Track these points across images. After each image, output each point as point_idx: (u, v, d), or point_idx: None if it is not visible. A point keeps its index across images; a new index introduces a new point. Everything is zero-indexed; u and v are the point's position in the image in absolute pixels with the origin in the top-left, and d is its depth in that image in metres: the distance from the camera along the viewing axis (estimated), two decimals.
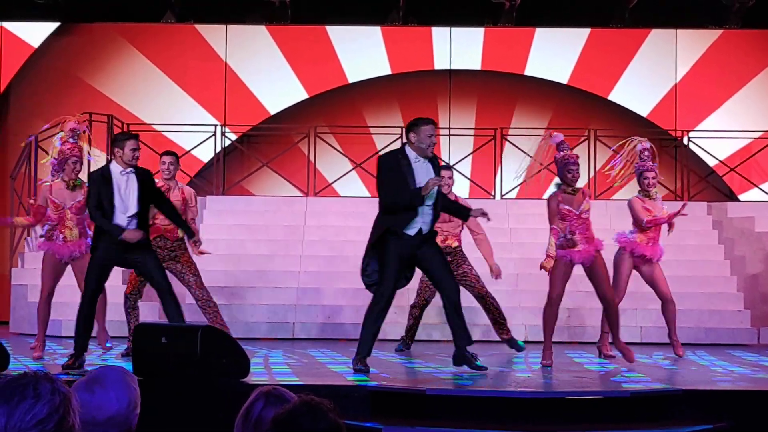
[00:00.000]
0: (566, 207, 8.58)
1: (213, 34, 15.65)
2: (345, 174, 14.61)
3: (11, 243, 13.65)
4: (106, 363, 8.21)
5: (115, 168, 7.81)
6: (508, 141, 14.55)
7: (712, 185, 14.73)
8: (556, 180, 8.81)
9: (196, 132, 14.65)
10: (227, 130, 15.06)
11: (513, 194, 14.20)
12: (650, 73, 15.55)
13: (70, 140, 9.03)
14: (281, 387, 3.19)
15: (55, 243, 8.90)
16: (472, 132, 15.24)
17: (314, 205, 13.56)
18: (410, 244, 7.50)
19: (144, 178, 7.90)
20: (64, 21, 15.64)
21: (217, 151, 14.78)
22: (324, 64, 15.61)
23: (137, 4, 15.64)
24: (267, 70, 15.61)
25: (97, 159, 9.64)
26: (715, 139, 15.00)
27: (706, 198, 14.04)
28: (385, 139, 14.64)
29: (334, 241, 12.69)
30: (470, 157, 14.90)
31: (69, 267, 9.15)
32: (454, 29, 15.67)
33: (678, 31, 15.62)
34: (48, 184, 9.03)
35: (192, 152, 14.52)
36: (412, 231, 7.50)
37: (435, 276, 7.72)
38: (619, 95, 15.60)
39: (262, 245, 12.65)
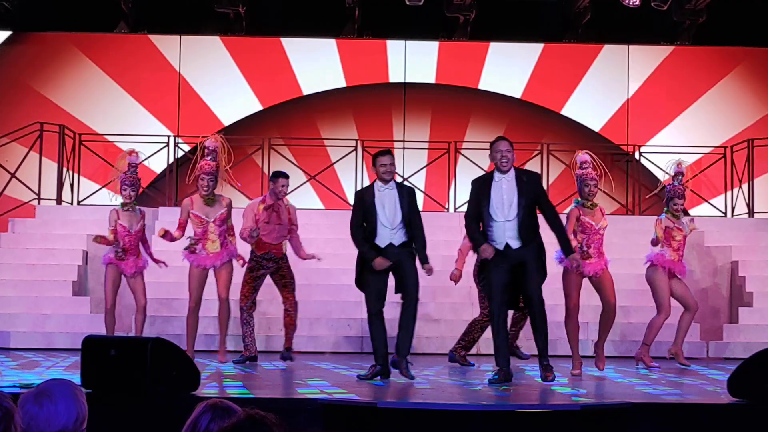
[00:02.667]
0: (588, 220, 9.14)
1: (167, 44, 15.58)
2: (299, 186, 14.56)
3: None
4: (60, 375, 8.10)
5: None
6: (462, 154, 14.61)
7: (662, 200, 14.86)
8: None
9: (148, 143, 14.54)
10: (180, 141, 14.98)
11: (466, 207, 14.24)
12: (603, 88, 15.70)
13: (208, 158, 9.59)
14: (228, 400, 3.17)
15: (199, 255, 9.47)
16: (426, 145, 15.28)
17: None
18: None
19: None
20: (16, 29, 15.50)
21: (170, 162, 14.69)
22: (278, 75, 15.60)
23: (90, 13, 15.52)
24: (221, 81, 15.57)
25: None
26: (666, 154, 15.14)
27: (657, 212, 14.13)
28: (340, 151, 14.65)
29: (287, 253, 12.61)
30: (424, 170, 14.95)
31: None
32: (409, 42, 15.73)
33: (630, 47, 15.79)
34: (189, 198, 9.61)
35: (144, 163, 14.40)
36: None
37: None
38: (571, 110, 15.72)
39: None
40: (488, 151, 8.24)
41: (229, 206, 9.71)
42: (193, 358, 8.93)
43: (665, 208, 10.16)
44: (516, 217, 7.88)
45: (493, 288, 7.99)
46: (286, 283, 9.83)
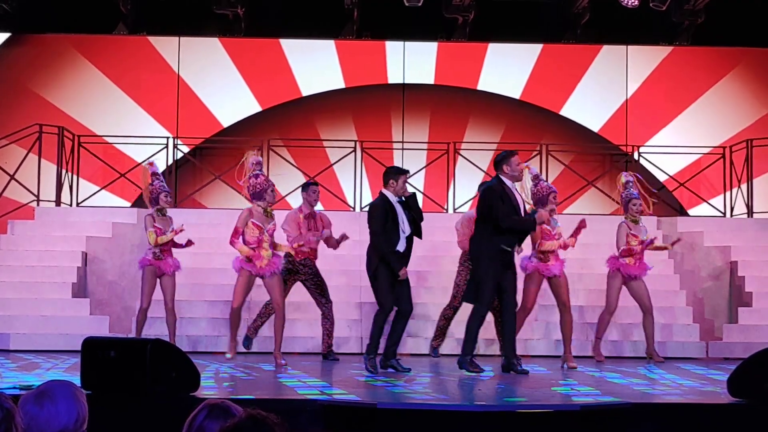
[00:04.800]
0: (546, 227, 9.89)
1: (166, 46, 15.58)
2: (298, 187, 14.51)
3: None
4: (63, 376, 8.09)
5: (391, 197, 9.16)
6: (461, 155, 14.60)
7: (662, 200, 14.87)
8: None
9: (148, 144, 14.54)
10: (179, 142, 14.98)
11: (465, 208, 14.23)
12: (601, 88, 15.71)
13: (260, 173, 10.02)
14: (229, 401, 3.17)
15: (255, 263, 9.80)
16: (425, 146, 15.28)
17: None
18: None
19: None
20: (16, 31, 15.50)
21: (169, 163, 14.69)
22: (277, 76, 15.60)
23: (90, 15, 15.52)
24: (220, 83, 15.57)
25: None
26: (665, 155, 15.17)
27: (656, 212, 14.16)
28: (339, 152, 14.65)
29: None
30: (423, 170, 14.94)
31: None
32: (408, 43, 15.73)
33: (629, 47, 15.79)
34: (248, 209, 9.94)
35: (142, 164, 14.41)
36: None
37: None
38: (570, 110, 15.73)
39: (214, 258, 12.56)
40: (488, 152, 8.59)
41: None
42: (236, 350, 10.12)
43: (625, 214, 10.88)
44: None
45: (491, 285, 8.72)
46: (322, 290, 10.56)
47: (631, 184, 10.80)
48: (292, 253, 10.28)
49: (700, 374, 9.41)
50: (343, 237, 10.58)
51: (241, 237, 9.86)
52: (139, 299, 10.73)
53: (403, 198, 9.12)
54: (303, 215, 10.62)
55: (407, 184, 9.33)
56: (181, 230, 10.45)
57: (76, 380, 6.34)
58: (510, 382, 8.38)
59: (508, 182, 8.86)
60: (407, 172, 9.42)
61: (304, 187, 10.89)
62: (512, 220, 8.74)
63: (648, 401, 7.03)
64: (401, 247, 9.05)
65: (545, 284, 10.11)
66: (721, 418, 6.56)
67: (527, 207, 9.33)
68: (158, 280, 10.52)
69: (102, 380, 6.62)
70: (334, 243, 10.65)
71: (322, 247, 10.87)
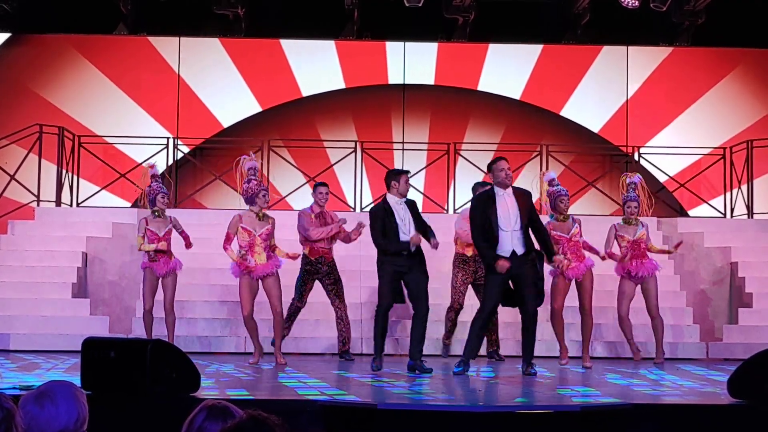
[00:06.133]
0: (557, 233, 10.10)
1: (166, 46, 15.58)
2: (298, 188, 14.56)
3: None
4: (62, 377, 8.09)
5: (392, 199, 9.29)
6: (461, 156, 14.60)
7: (662, 201, 14.87)
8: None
9: (148, 144, 14.54)
10: (180, 142, 14.99)
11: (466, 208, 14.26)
12: (602, 89, 15.71)
13: (253, 178, 10.14)
14: (229, 402, 3.17)
15: (249, 265, 9.86)
16: (425, 146, 15.28)
17: None
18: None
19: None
20: (16, 32, 15.50)
21: (170, 163, 14.69)
22: (278, 77, 15.60)
23: (90, 15, 15.52)
24: (220, 83, 15.57)
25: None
26: (665, 155, 15.17)
27: (657, 213, 14.15)
28: (339, 152, 14.65)
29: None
30: (423, 171, 14.94)
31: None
32: (408, 44, 15.73)
33: (629, 48, 15.79)
34: (238, 214, 10.06)
35: (143, 165, 14.41)
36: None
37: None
38: (571, 111, 15.73)
39: (214, 258, 12.56)
40: (488, 152, 8.61)
41: (273, 224, 10.15)
42: (261, 355, 10.05)
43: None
44: (521, 227, 8.78)
45: (493, 290, 8.77)
46: (337, 291, 10.67)
47: (633, 185, 10.84)
48: (293, 257, 10.29)
49: (700, 375, 9.41)
50: (360, 225, 10.50)
51: (233, 242, 9.95)
52: (141, 300, 10.76)
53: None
54: (314, 214, 10.75)
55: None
56: (162, 241, 10.50)
57: (76, 380, 6.34)
58: (510, 383, 8.38)
59: (499, 190, 8.91)
60: (407, 172, 9.51)
61: (314, 188, 11.06)
62: (479, 244, 8.92)
63: (648, 402, 7.03)
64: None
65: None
66: (721, 419, 6.56)
67: (542, 208, 9.47)
68: (160, 280, 10.57)
69: (102, 380, 6.62)
70: (347, 236, 10.73)
71: (339, 246, 10.94)
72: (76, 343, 7.52)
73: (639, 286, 10.72)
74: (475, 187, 10.97)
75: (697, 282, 12.88)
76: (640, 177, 11.04)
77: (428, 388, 7.95)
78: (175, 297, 10.67)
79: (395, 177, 9.31)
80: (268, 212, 10.32)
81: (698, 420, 6.58)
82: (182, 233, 10.68)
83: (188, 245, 10.69)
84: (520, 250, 8.76)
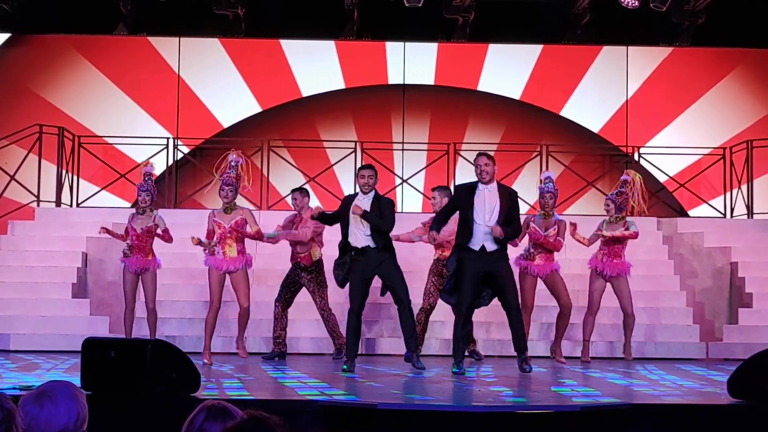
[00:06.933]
0: (534, 226, 10.33)
1: (166, 46, 15.58)
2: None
3: None
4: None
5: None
6: (461, 156, 14.61)
7: (662, 201, 14.88)
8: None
9: (148, 145, 14.55)
10: (180, 143, 14.99)
11: None
12: (602, 89, 15.71)
13: (228, 170, 10.36)
14: (229, 402, 3.17)
15: (216, 258, 10.08)
16: (425, 147, 15.28)
17: (267, 218, 13.47)
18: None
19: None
20: (16, 32, 15.51)
21: (170, 164, 14.69)
22: (278, 77, 15.60)
23: (90, 15, 15.53)
24: (220, 83, 15.58)
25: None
26: (665, 155, 15.17)
27: (656, 213, 14.17)
28: (339, 153, 14.65)
29: (288, 256, 12.62)
30: (423, 171, 14.94)
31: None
32: (408, 44, 15.73)
33: (629, 48, 15.80)
34: (213, 210, 10.35)
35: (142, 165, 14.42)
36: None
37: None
38: (570, 111, 15.73)
39: None
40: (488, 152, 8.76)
41: (247, 217, 10.22)
42: (210, 356, 9.92)
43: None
44: (495, 223, 8.76)
45: (465, 287, 8.76)
46: (319, 294, 10.71)
47: (621, 183, 10.92)
48: (275, 237, 10.58)
49: (700, 375, 9.41)
50: (317, 210, 10.27)
51: (212, 237, 10.14)
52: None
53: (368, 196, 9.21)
54: (289, 218, 11.00)
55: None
56: (139, 237, 10.52)
57: (76, 380, 6.34)
58: (510, 383, 8.38)
59: (480, 184, 8.94)
60: (362, 168, 9.55)
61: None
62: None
63: (648, 402, 7.03)
64: (356, 243, 9.13)
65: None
66: (721, 419, 6.56)
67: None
68: (140, 278, 10.55)
69: (102, 380, 6.62)
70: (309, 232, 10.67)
71: (323, 248, 10.92)
72: (76, 343, 7.52)
73: (609, 283, 10.76)
74: None
75: (697, 282, 12.88)
76: (630, 176, 11.01)
77: (428, 388, 7.95)
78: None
79: (356, 175, 9.48)
80: (250, 206, 10.43)
81: (698, 420, 6.57)
82: (160, 234, 10.55)
83: (167, 241, 10.63)
84: (490, 247, 8.79)
